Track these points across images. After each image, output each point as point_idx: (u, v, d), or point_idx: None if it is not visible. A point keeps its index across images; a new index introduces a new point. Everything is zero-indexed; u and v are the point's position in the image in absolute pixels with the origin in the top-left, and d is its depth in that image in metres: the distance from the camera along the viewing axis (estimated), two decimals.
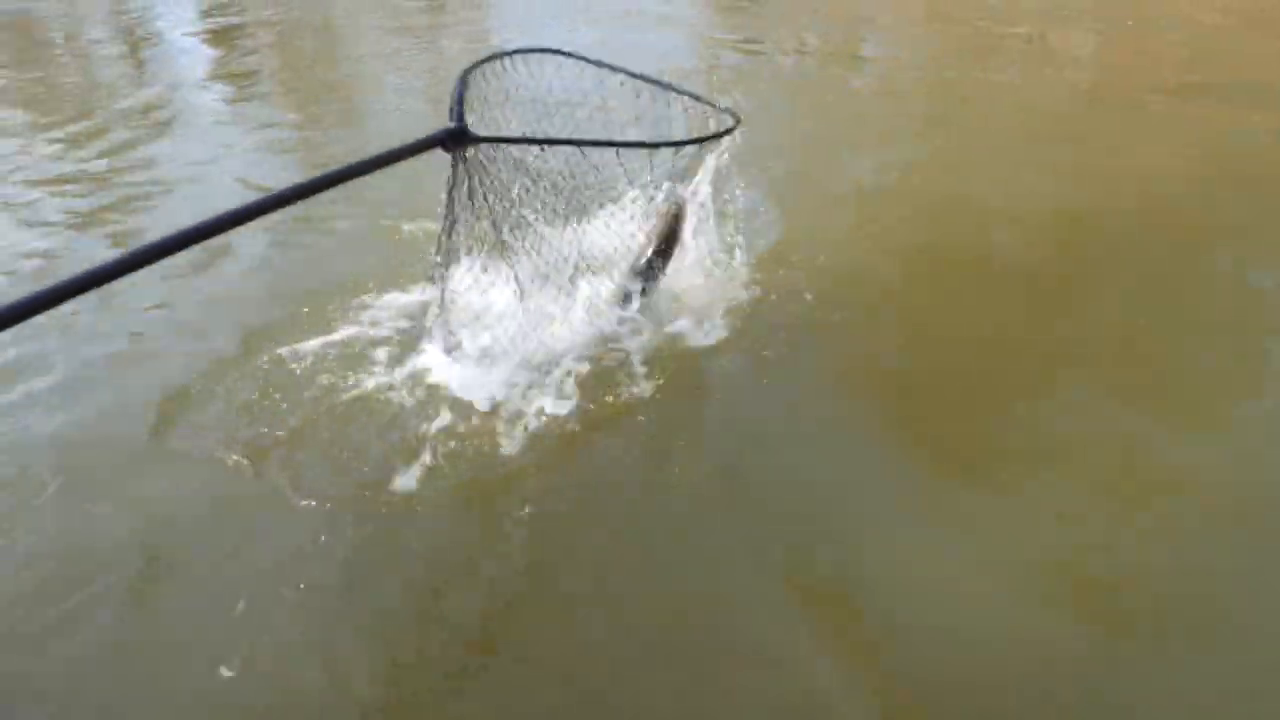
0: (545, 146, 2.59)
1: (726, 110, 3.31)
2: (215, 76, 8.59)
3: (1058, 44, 8.33)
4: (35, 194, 5.43)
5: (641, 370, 3.29)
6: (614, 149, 2.80)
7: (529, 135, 2.66)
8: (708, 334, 3.47)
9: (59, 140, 6.39)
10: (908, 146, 5.73)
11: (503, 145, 2.54)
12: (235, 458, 2.93)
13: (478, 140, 2.29)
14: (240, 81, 8.15)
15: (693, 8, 10.44)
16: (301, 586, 2.49)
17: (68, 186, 5.52)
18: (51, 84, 8.42)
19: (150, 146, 6.24)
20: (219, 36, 10.29)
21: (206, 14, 11.55)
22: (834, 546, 2.59)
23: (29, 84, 8.45)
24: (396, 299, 3.73)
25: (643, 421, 3.08)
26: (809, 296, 3.76)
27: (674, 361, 3.36)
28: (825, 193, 4.96)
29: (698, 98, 3.30)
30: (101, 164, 5.91)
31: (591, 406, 3.12)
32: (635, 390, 3.20)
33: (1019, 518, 2.69)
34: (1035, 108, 6.46)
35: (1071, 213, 4.65)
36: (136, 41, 10.22)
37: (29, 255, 4.63)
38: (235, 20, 11.04)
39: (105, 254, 3.88)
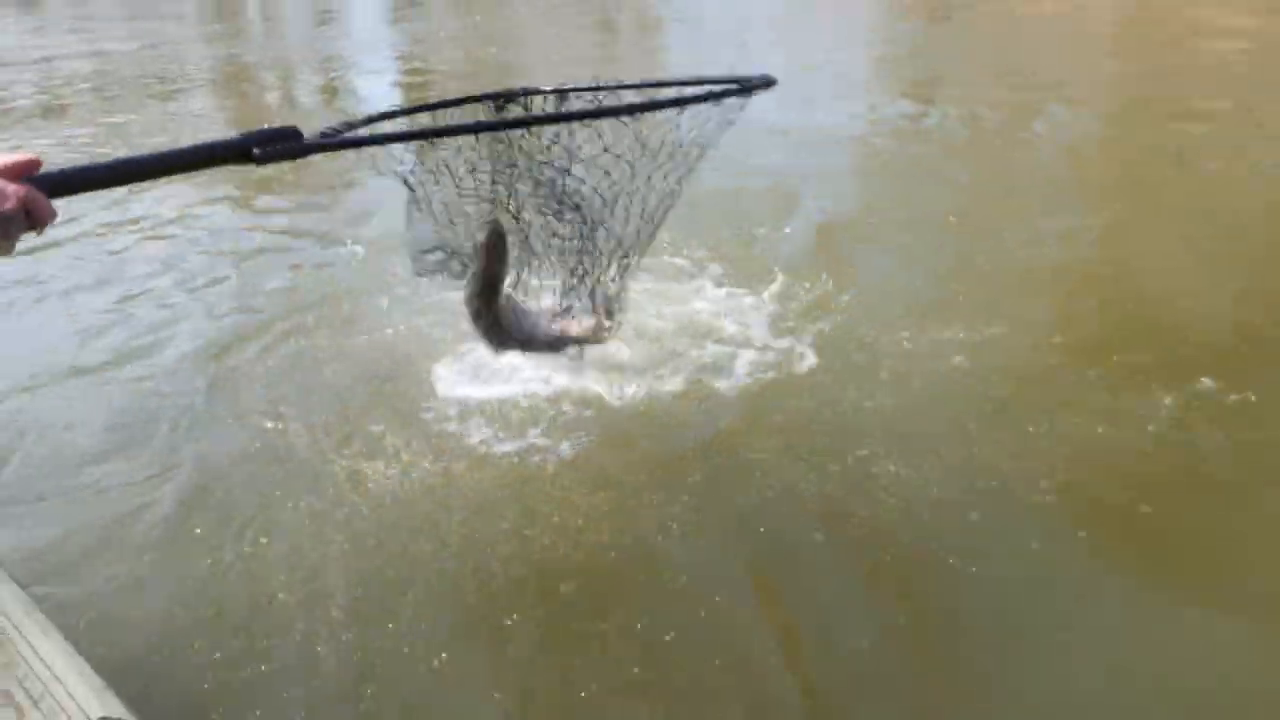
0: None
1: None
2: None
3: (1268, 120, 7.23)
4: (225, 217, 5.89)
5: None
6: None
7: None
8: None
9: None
10: (1081, 232, 5.14)
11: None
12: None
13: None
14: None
15: (867, 62, 10.45)
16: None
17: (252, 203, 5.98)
18: (255, 118, 9.35)
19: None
20: (406, 81, 11.31)
21: (397, 61, 12.85)
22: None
23: (236, 114, 9.53)
24: None
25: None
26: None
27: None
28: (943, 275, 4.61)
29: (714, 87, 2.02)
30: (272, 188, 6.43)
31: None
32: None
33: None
34: (1233, 204, 5.40)
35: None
36: (333, 87, 11.44)
37: (213, 281, 4.94)
38: (419, 64, 12.27)
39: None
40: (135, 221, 5.95)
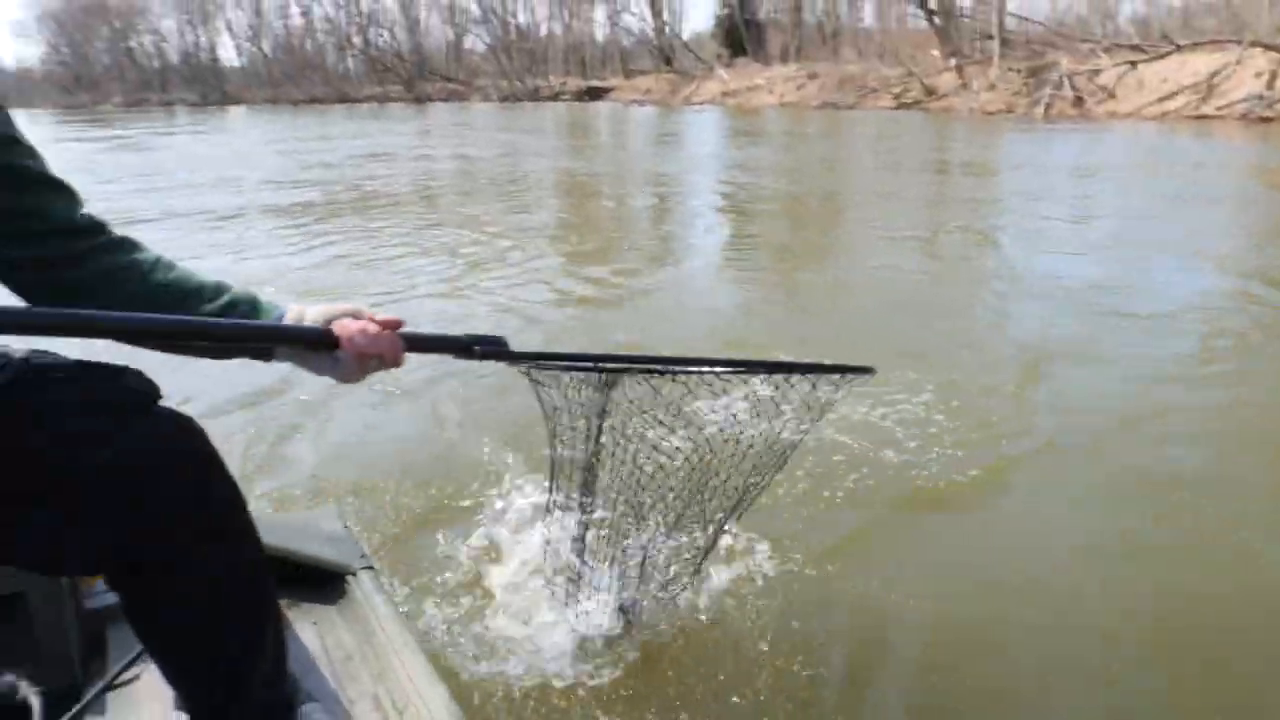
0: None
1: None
2: (718, 229, 9.43)
3: None
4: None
5: None
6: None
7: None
8: None
9: (587, 258, 7.01)
10: None
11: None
12: None
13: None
14: (741, 243, 8.70)
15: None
16: None
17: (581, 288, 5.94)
18: (591, 221, 9.88)
19: (649, 276, 6.82)
20: (731, 199, 11.39)
21: (725, 182, 13.13)
22: None
23: (571, 217, 10.02)
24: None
25: None
26: None
27: None
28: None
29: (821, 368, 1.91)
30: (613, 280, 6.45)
31: None
32: None
33: None
34: None
35: None
36: (665, 197, 11.85)
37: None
38: (748, 179, 12.39)
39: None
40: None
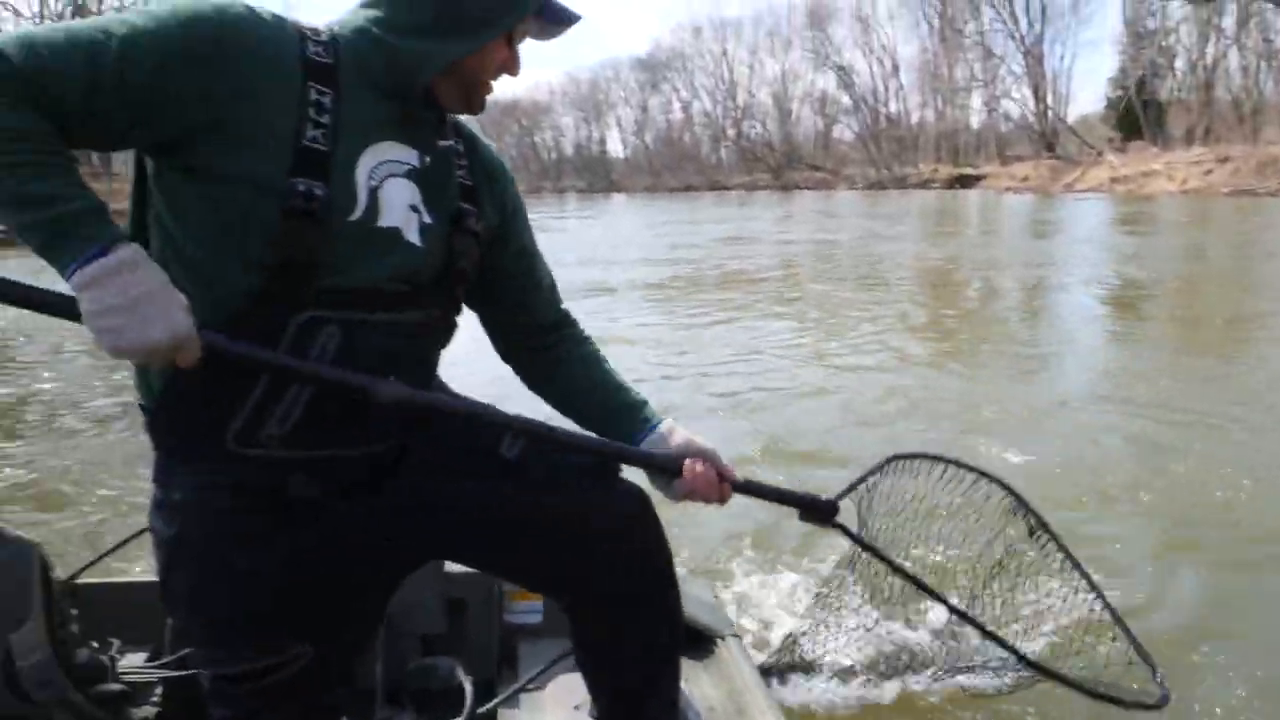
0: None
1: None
2: (1099, 330, 8.54)
3: None
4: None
5: None
6: None
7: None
8: None
9: (942, 356, 6.65)
10: None
11: None
12: None
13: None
14: (1129, 351, 7.72)
15: None
16: None
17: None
18: (950, 313, 9.53)
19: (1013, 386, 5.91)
20: (1118, 295, 10.50)
21: (1111, 275, 12.16)
22: None
23: (932, 308, 9.77)
24: None
25: None
26: None
27: None
28: None
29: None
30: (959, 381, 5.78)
31: None
32: None
33: None
34: None
35: None
36: (1035, 290, 11.09)
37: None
38: (1140, 273, 11.38)
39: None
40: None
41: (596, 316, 8.47)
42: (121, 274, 0.99)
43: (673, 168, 78.30)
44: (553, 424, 1.32)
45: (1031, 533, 1.99)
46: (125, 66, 1.02)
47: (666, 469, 1.36)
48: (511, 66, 1.24)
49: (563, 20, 1.25)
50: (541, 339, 1.45)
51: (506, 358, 1.49)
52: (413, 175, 1.22)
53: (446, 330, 1.35)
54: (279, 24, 1.14)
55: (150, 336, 1.00)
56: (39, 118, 1.00)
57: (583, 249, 16.91)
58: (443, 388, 1.39)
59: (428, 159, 1.24)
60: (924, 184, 52.93)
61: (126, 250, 1.00)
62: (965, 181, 50.41)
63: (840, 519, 1.51)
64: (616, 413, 1.43)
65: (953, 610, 1.76)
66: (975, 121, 61.82)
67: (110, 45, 1.02)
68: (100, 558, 1.96)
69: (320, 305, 1.14)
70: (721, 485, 1.37)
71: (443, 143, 1.28)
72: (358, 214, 1.16)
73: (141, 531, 1.60)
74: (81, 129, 1.04)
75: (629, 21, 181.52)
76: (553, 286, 1.47)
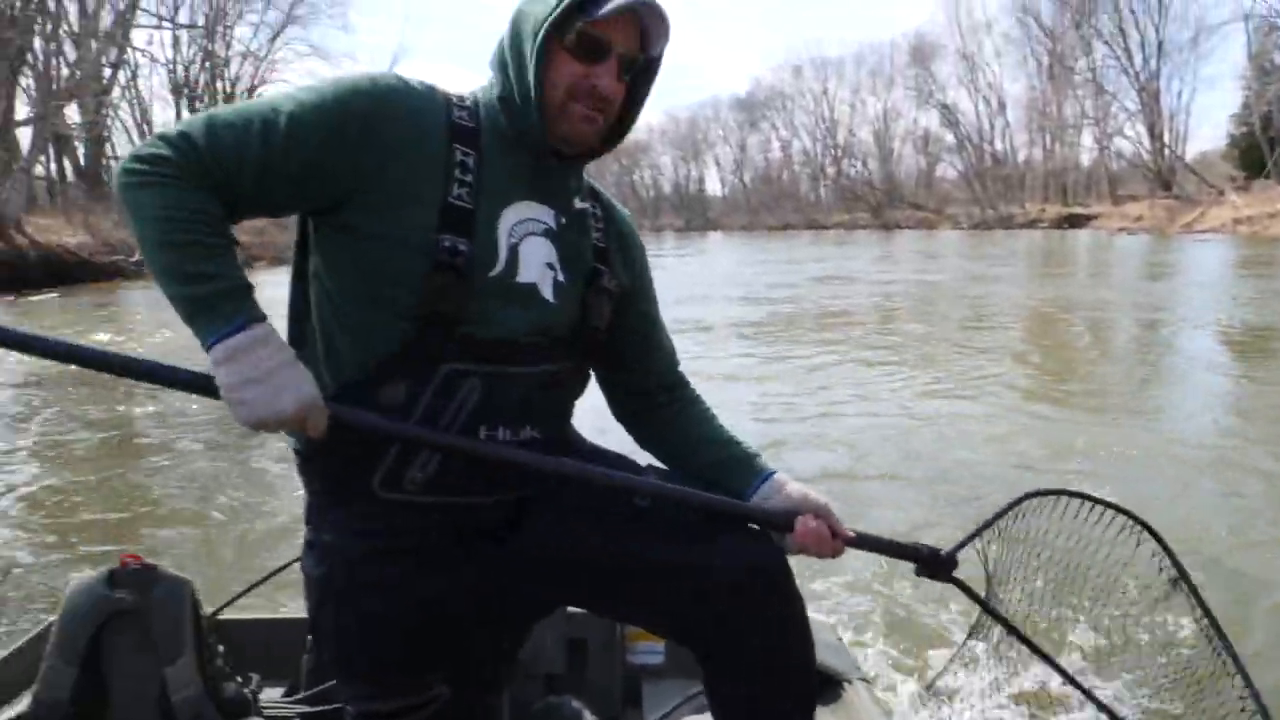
0: None
1: None
2: (1219, 379, 7.99)
3: None
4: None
5: None
6: None
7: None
8: None
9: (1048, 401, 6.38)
10: None
11: None
12: None
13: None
14: (1253, 383, 7.21)
15: None
16: None
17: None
18: (1057, 357, 9.26)
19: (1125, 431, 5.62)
20: (1239, 341, 9.96)
21: (1237, 320, 11.67)
22: None
23: (1037, 353, 9.53)
24: None
25: None
26: None
27: None
28: None
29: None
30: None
31: None
32: None
33: None
34: None
35: None
36: (1149, 332, 10.80)
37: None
38: (1258, 318, 10.77)
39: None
40: None
41: (689, 357, 8.52)
42: (256, 349, 1.09)
43: (770, 206, 78.10)
44: (666, 482, 1.35)
45: (1174, 584, 1.88)
46: (292, 145, 1.14)
47: (780, 525, 1.36)
48: (591, 82, 1.23)
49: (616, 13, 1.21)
50: (656, 398, 1.49)
51: (620, 417, 1.52)
52: (550, 235, 1.29)
53: (580, 382, 1.43)
54: (428, 93, 1.25)
55: (279, 406, 1.09)
56: (215, 199, 1.12)
57: (681, 287, 17.03)
58: (576, 438, 1.45)
59: (564, 220, 1.32)
60: (1031, 224, 51.43)
61: (262, 329, 1.10)
62: (1075, 221, 48.74)
63: (960, 571, 1.47)
64: (728, 467, 1.43)
65: (1069, 680, 1.69)
66: (1086, 160, 59.90)
67: (279, 125, 1.14)
68: (241, 594, 2.04)
69: (464, 358, 1.21)
70: (834, 541, 1.36)
71: (579, 204, 1.36)
72: (498, 269, 1.24)
73: (279, 569, 1.70)
74: (250, 205, 1.17)
75: (730, 63, 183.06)
76: (672, 351, 1.53)
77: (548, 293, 1.28)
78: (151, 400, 7.14)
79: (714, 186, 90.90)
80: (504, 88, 1.27)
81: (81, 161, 32.99)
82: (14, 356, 6.46)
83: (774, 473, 1.42)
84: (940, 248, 33.16)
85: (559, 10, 1.19)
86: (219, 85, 42.94)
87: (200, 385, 1.12)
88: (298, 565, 1.34)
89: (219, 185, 1.13)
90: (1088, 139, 58.52)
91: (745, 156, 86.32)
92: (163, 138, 1.13)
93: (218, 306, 1.09)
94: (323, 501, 1.29)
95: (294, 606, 2.26)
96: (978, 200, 60.48)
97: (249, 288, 1.13)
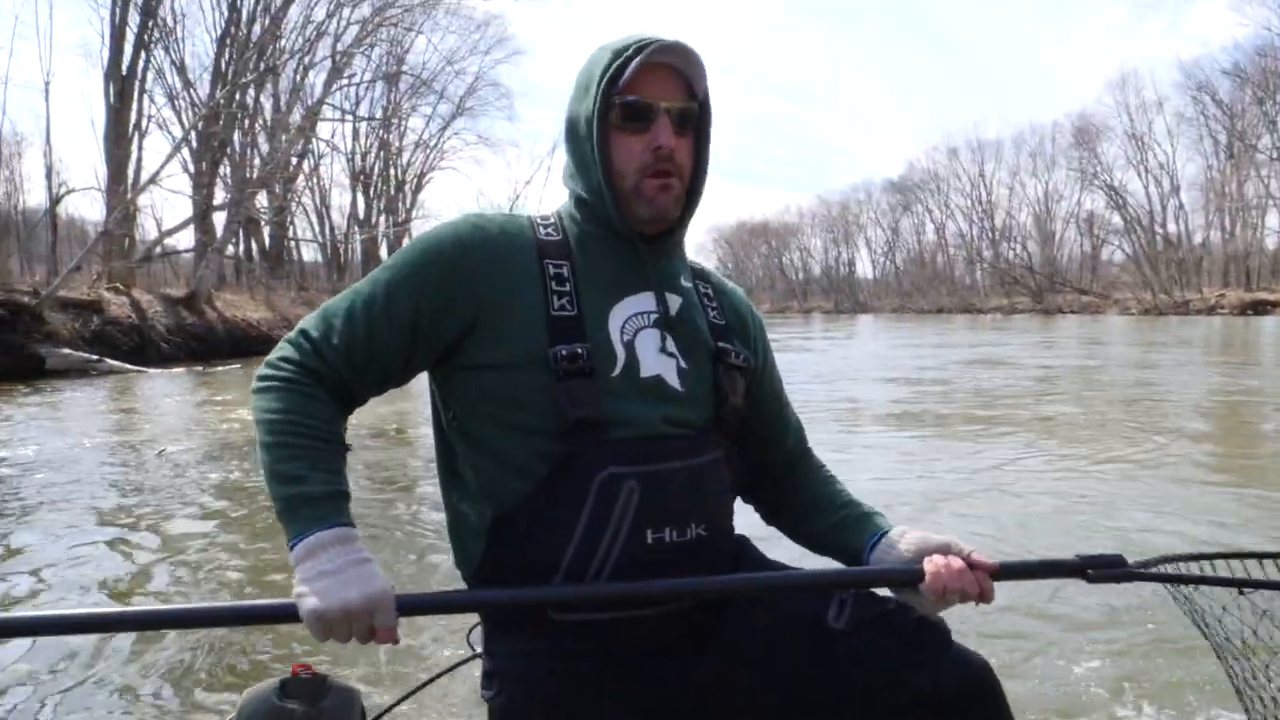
0: None
1: None
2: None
3: None
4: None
5: None
6: None
7: None
8: None
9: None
10: None
11: None
12: None
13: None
14: None
15: None
16: None
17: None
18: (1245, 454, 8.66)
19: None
20: None
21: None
22: None
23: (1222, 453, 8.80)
24: None
25: None
26: None
27: None
28: None
29: None
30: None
31: None
32: None
33: None
34: None
35: None
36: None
37: None
38: None
39: None
40: None
41: (828, 432, 8.34)
42: (332, 547, 1.13)
43: (923, 288, 76.51)
44: (777, 571, 1.31)
45: None
46: (392, 308, 1.24)
47: (907, 579, 1.23)
48: (654, 146, 1.24)
49: (658, 60, 1.23)
50: (782, 472, 1.48)
51: (745, 496, 1.49)
52: (660, 323, 1.29)
53: (735, 472, 1.39)
54: (508, 221, 1.30)
55: (346, 596, 1.10)
56: (328, 397, 1.20)
57: (830, 367, 16.75)
58: (748, 547, 1.41)
59: (672, 304, 1.31)
60: (1210, 309, 48.20)
61: (344, 530, 1.14)
62: (1259, 307, 45.38)
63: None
64: (846, 526, 1.39)
65: None
66: (1271, 242, 55.94)
67: (378, 295, 1.22)
68: (401, 700, 2.03)
69: (616, 461, 1.21)
70: (977, 575, 1.22)
71: (685, 283, 1.35)
72: (619, 369, 1.25)
73: (434, 678, 1.71)
74: (374, 376, 1.25)
75: (883, 146, 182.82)
76: (800, 427, 1.52)
77: (674, 381, 1.28)
78: None
79: (864, 269, 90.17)
80: (578, 190, 1.30)
81: (266, 243, 35.85)
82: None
83: (892, 527, 1.34)
84: (1108, 333, 31.41)
85: (600, 94, 1.23)
86: (392, 172, 46.20)
87: (283, 614, 1.15)
88: (460, 669, 1.35)
89: (335, 372, 1.21)
90: (1273, 220, 54.88)
91: (897, 239, 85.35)
92: (289, 340, 1.24)
93: (300, 510, 1.14)
94: (497, 628, 1.29)
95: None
96: (1148, 284, 57.27)
97: (338, 495, 1.16)
